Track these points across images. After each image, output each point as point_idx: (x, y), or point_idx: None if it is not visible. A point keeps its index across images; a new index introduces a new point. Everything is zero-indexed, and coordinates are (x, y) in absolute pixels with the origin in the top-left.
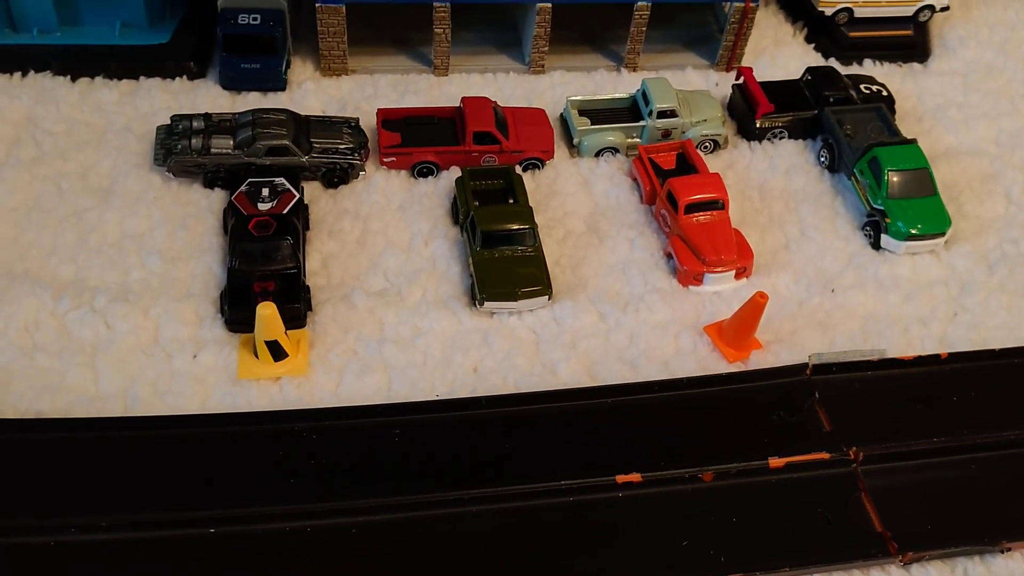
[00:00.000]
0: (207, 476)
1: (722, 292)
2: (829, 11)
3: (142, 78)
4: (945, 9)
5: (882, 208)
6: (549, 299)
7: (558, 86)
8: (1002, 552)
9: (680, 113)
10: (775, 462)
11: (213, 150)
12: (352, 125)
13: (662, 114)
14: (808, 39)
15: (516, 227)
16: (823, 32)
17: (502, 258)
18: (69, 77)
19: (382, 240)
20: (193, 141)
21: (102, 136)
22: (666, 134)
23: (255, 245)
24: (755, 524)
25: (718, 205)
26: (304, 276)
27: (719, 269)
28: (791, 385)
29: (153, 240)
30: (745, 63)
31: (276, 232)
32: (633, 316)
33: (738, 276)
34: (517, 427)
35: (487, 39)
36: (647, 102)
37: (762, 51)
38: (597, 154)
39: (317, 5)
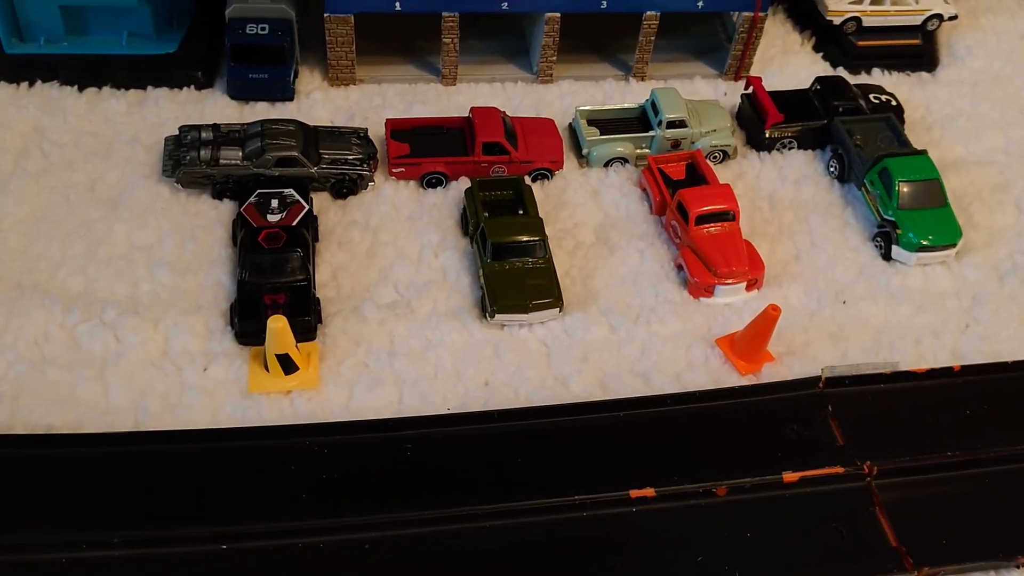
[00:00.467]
0: (218, 491)
1: (733, 304)
2: (837, 20)
3: (149, 88)
4: (953, 18)
5: (893, 219)
6: (560, 311)
7: (566, 96)
8: (1018, 567)
9: (689, 123)
10: (789, 477)
11: (222, 161)
12: (361, 136)
13: (671, 124)
14: (816, 48)
15: (527, 239)
16: (831, 41)
17: (513, 270)
18: (76, 87)
19: (392, 251)
20: (202, 152)
21: (110, 147)
22: (675, 144)
23: (265, 257)
24: (769, 539)
25: (729, 216)
26: (314, 288)
27: (730, 281)
28: (804, 398)
29: (162, 252)
30: (753, 72)
31: (286, 244)
32: (644, 328)
33: (749, 288)
34: (529, 441)
35: (495, 48)
36: (656, 112)
37: (770, 60)
38: (606, 164)
39: (325, 15)
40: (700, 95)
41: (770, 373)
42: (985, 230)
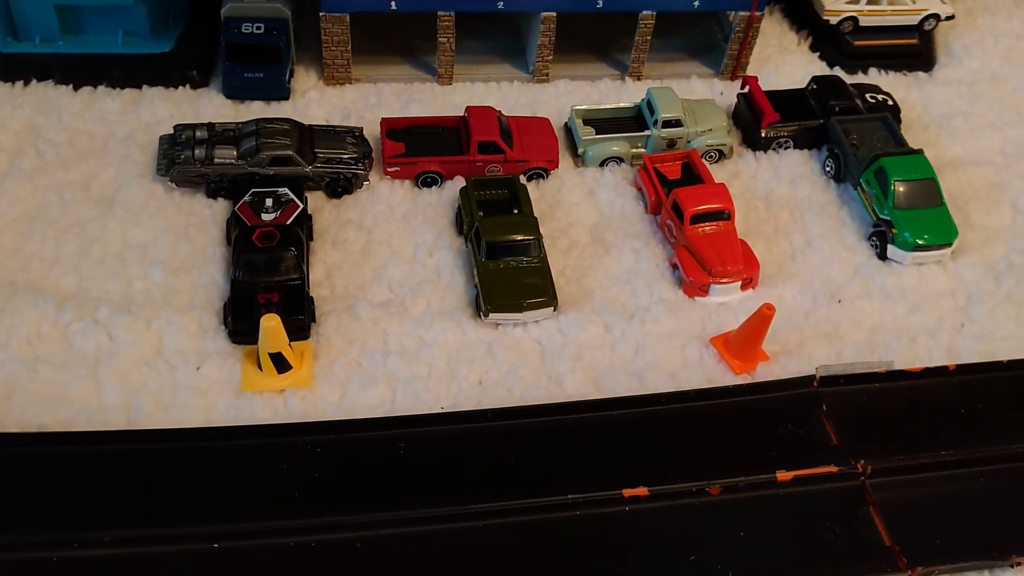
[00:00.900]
0: (210, 490)
1: (728, 303)
2: (834, 20)
3: (145, 87)
4: (950, 18)
5: (888, 218)
6: (554, 310)
7: (562, 95)
8: (1012, 567)
9: (685, 122)
10: (783, 476)
11: (216, 160)
12: (356, 135)
13: (667, 123)
14: (813, 48)
15: (521, 238)
16: (828, 41)
17: (507, 269)
18: (71, 86)
19: (386, 250)
20: (196, 151)
21: (104, 146)
22: (671, 144)
23: (259, 256)
24: (763, 538)
25: (724, 215)
26: (308, 287)
27: (725, 280)
28: (798, 397)
29: (156, 251)
30: (750, 72)
31: (280, 243)
32: (639, 327)
33: (744, 287)
34: (523, 440)
35: (491, 48)
36: (652, 111)
37: (767, 60)
38: (602, 164)
39: (321, 14)
40: (696, 94)
41: (765, 372)
42: (981, 230)
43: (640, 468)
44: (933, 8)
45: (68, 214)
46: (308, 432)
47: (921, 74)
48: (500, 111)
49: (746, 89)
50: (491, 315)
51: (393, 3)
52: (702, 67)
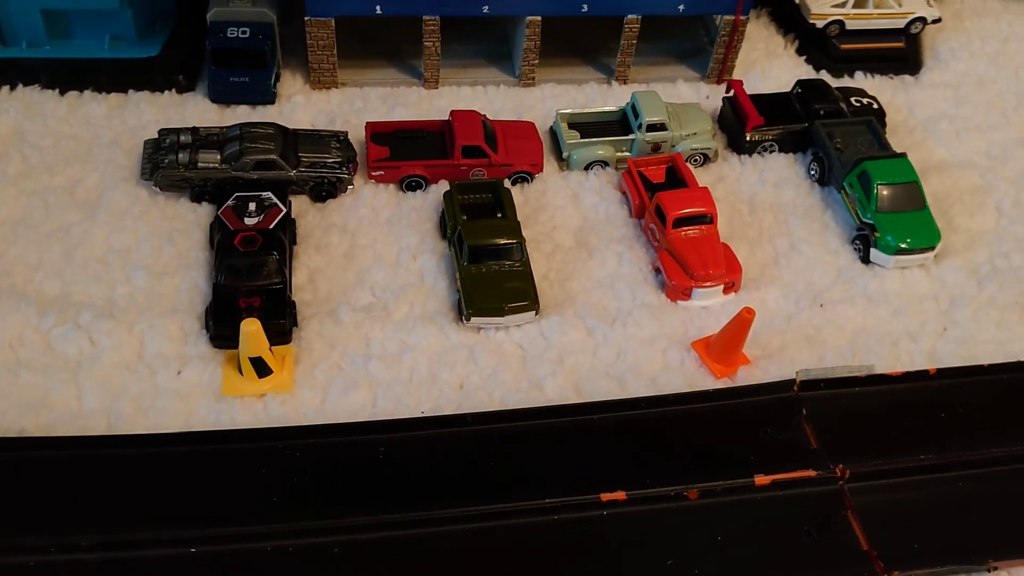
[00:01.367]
0: (189, 494)
1: (710, 307)
2: (820, 23)
3: (131, 91)
4: (937, 21)
5: (871, 222)
6: (536, 314)
7: (548, 99)
8: (989, 571)
9: (670, 126)
10: (761, 480)
11: (200, 164)
12: (340, 139)
13: (652, 127)
14: (799, 51)
15: (503, 242)
16: (814, 44)
17: (489, 273)
18: (57, 90)
19: (370, 254)
20: (180, 155)
21: (90, 150)
22: (656, 147)
23: (240, 260)
24: (740, 543)
25: (707, 219)
26: (290, 291)
27: (707, 284)
28: (778, 402)
29: (139, 255)
30: (736, 75)
31: (262, 247)
32: (621, 331)
33: (726, 291)
34: (503, 444)
35: (477, 52)
36: (637, 115)
37: (753, 63)
38: (586, 168)
39: (306, 18)
40: (683, 98)
41: (745, 376)
42: (965, 233)
43: (619, 472)
44: (920, 11)
45: (52, 218)
46: (288, 436)
47: (907, 77)
48: (485, 115)
49: (731, 93)
50: (473, 319)
51: (378, 7)
52: (688, 71)
